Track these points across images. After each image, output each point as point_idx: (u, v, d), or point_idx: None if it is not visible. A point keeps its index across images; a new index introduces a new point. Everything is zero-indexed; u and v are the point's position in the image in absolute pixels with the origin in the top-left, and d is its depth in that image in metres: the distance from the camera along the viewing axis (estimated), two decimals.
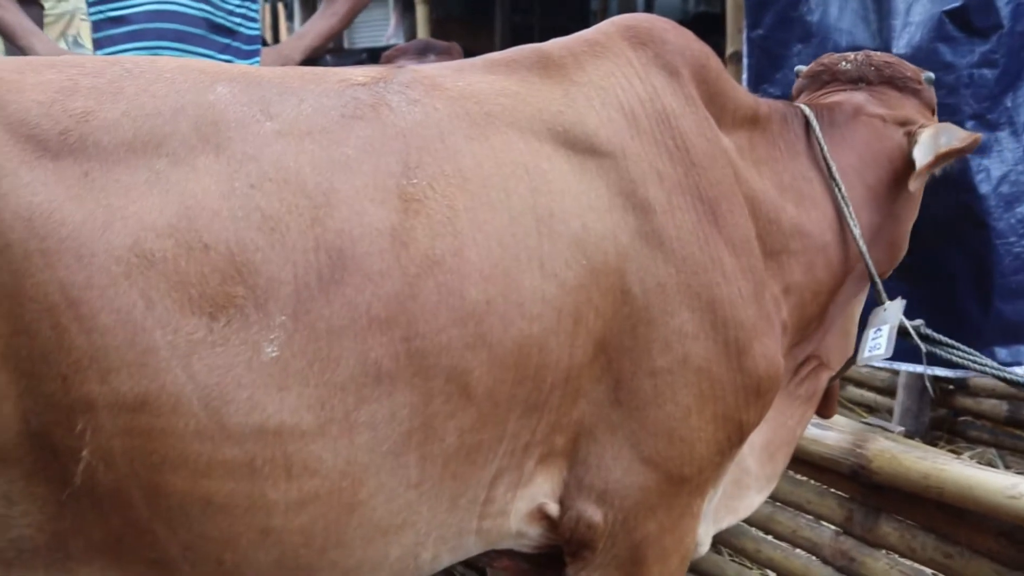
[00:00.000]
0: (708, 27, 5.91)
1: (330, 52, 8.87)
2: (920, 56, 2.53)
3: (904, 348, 2.88)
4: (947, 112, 2.67)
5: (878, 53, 2.09)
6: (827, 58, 2.11)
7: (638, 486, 1.57)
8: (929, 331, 1.97)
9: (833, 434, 2.22)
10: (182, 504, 1.25)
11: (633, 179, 1.53)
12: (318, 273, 1.27)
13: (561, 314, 1.44)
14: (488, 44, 11.36)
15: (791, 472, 2.42)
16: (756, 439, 1.87)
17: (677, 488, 1.60)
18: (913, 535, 2.16)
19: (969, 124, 2.66)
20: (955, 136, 1.87)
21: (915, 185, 1.88)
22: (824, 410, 2.08)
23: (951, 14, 2.62)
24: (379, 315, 1.30)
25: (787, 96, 2.49)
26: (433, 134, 1.42)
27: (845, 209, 1.83)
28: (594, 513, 1.57)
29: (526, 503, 1.56)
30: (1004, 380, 2.00)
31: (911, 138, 1.92)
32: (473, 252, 1.37)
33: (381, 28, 13.20)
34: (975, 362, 1.97)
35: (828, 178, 1.85)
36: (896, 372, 3.64)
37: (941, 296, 2.21)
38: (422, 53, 4.32)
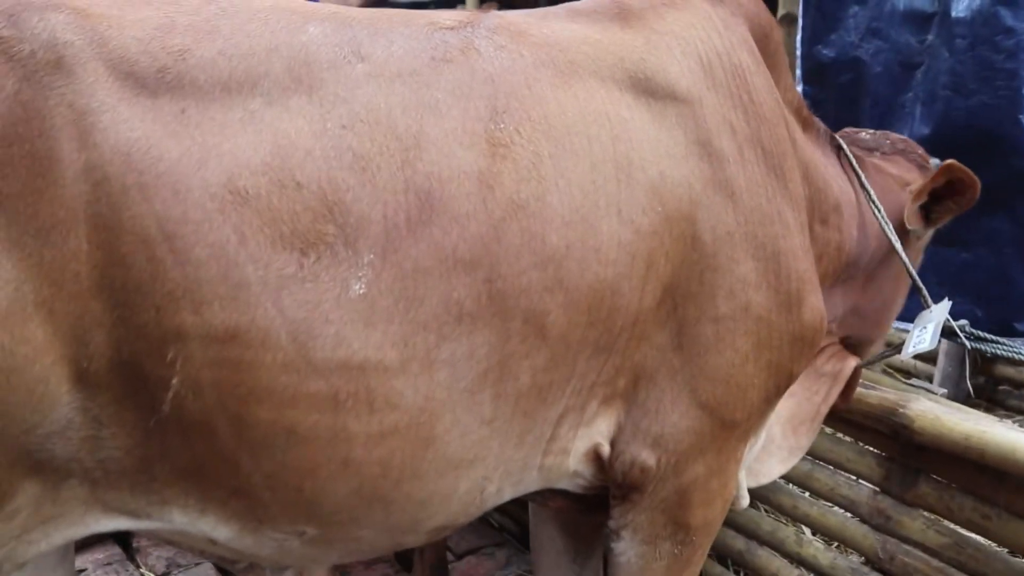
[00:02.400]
0: None
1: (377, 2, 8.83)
2: (980, 20, 2.51)
3: (953, 313, 2.93)
4: (1005, 76, 2.67)
5: (895, 134, 2.29)
6: (848, 130, 2.28)
7: (693, 430, 1.62)
8: (975, 331, 2.12)
9: (876, 393, 2.25)
10: (266, 434, 1.32)
11: (709, 128, 1.58)
12: (407, 214, 1.32)
13: (635, 259, 1.49)
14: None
15: (830, 430, 2.45)
16: (782, 410, 1.95)
17: (728, 432, 1.66)
18: (952, 496, 2.18)
19: None
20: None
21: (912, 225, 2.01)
22: (842, 398, 2.13)
23: None
24: (464, 256, 1.35)
25: (842, 57, 2.55)
26: (520, 80, 1.46)
27: (878, 214, 1.97)
28: (648, 456, 1.62)
29: (585, 443, 1.62)
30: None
31: (911, 196, 2.04)
32: (555, 198, 1.42)
33: None
34: (1019, 353, 2.07)
35: (858, 188, 1.99)
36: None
37: (991, 261, 2.24)
38: None
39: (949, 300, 2.05)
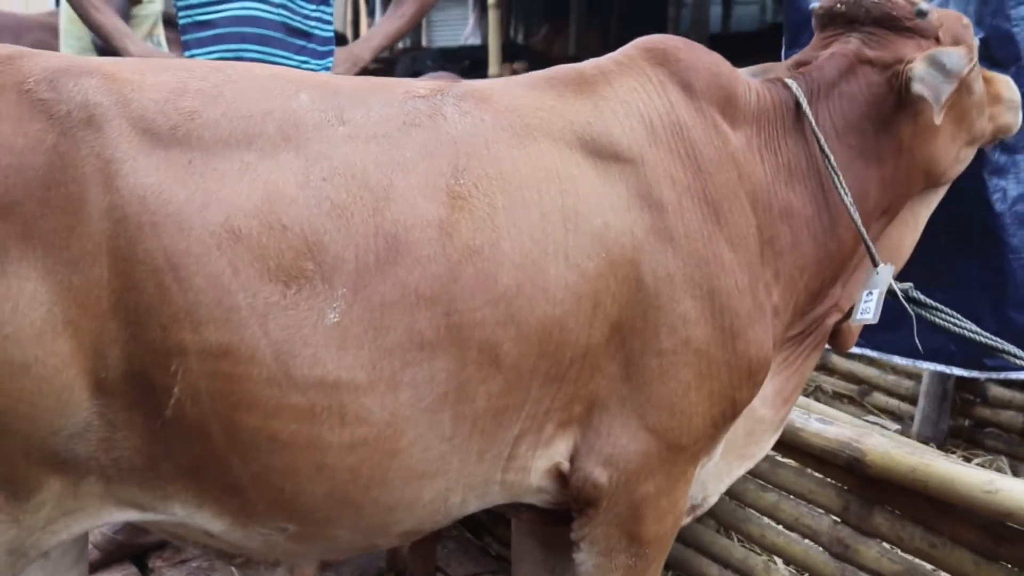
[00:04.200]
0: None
1: (408, 51, 9.11)
2: None
3: (926, 348, 3.06)
4: None
5: None
6: (827, 1, 2.13)
7: (641, 452, 1.79)
8: (917, 294, 2.08)
9: (834, 428, 2.41)
10: (253, 439, 1.52)
11: (649, 182, 1.76)
12: (376, 255, 1.53)
13: (581, 299, 1.68)
14: (563, 49, 11.54)
15: (796, 464, 2.61)
16: (768, 389, 2.05)
17: (675, 455, 1.83)
18: (903, 525, 2.33)
19: (988, 147, 2.83)
20: (957, 57, 1.92)
21: (939, 117, 1.92)
22: (839, 344, 2.24)
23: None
24: (425, 293, 1.55)
25: None
26: (480, 142, 1.67)
27: (836, 180, 1.93)
28: (600, 475, 1.80)
29: (545, 461, 1.80)
30: (982, 345, 2.10)
31: (903, 76, 1.96)
32: (507, 244, 1.62)
33: (459, 27, 13.42)
34: (957, 325, 2.09)
35: (818, 151, 1.95)
36: (919, 381, 3.81)
37: (959, 304, 2.37)
38: None
39: (892, 266, 2.06)
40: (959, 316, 2.12)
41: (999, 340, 2.12)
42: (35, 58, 1.54)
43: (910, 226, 2.27)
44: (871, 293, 2.06)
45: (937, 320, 2.10)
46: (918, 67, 1.94)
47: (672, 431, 1.80)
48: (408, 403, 1.58)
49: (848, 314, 2.17)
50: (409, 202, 1.58)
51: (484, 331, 1.60)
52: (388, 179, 1.58)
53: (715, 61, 1.96)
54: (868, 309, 2.06)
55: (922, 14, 2.02)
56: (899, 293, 2.07)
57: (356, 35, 12.39)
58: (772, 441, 2.22)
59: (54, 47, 5.00)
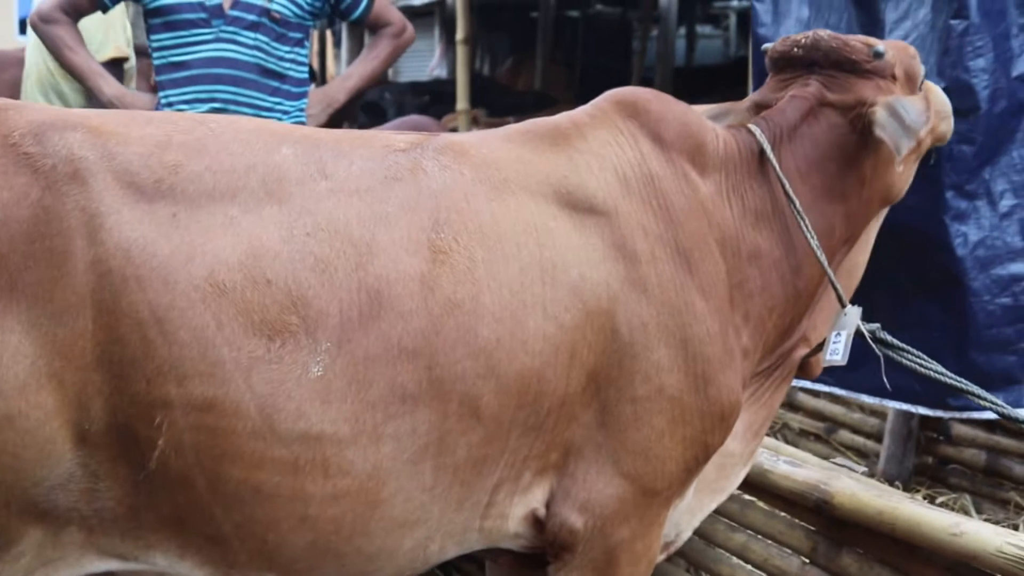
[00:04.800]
0: (747, 71, 6.13)
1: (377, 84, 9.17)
2: None
3: (893, 387, 3.12)
4: (929, 181, 2.91)
5: (826, 33, 2.11)
6: (782, 44, 2.17)
7: (616, 497, 1.82)
8: (885, 335, 2.10)
9: (802, 471, 2.45)
10: (236, 491, 1.53)
11: (623, 234, 1.80)
12: (359, 309, 1.56)
13: (559, 350, 1.71)
14: (528, 82, 11.64)
15: (765, 506, 2.65)
16: (738, 424, 2.06)
17: (649, 500, 1.86)
18: (870, 567, 2.37)
19: (949, 193, 2.90)
20: (914, 110, 1.97)
21: (901, 167, 2.00)
22: (806, 374, 2.29)
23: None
24: (407, 347, 1.58)
25: None
26: (460, 195, 1.70)
27: (803, 224, 1.97)
28: (576, 520, 1.82)
29: (523, 508, 1.82)
30: (947, 385, 2.14)
31: (865, 119, 2.00)
32: (487, 297, 1.65)
33: (425, 59, 13.47)
34: (923, 366, 2.11)
35: (783, 194, 1.99)
36: (885, 419, 3.87)
37: (922, 345, 2.43)
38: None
39: (859, 308, 2.09)
40: (925, 357, 2.14)
41: (963, 381, 2.17)
42: (21, 111, 1.56)
43: (863, 245, 2.33)
44: (839, 334, 2.10)
45: (904, 361, 2.13)
46: (880, 113, 1.99)
47: (646, 476, 1.83)
48: (390, 455, 1.60)
49: (817, 348, 2.21)
50: (392, 257, 1.60)
51: (465, 384, 1.62)
52: (371, 234, 1.61)
53: (684, 111, 2.01)
54: (837, 350, 2.09)
55: (879, 55, 2.08)
56: (866, 334, 2.10)
57: (323, 66, 12.41)
58: (742, 475, 2.26)
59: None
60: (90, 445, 1.49)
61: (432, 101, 8.87)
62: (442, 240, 1.65)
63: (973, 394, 2.14)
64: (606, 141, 1.89)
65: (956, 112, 2.81)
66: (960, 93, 2.80)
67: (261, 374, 1.51)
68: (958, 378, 2.15)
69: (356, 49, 12.06)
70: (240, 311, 1.50)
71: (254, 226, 1.55)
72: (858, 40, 2.11)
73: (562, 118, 1.95)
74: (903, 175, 2.22)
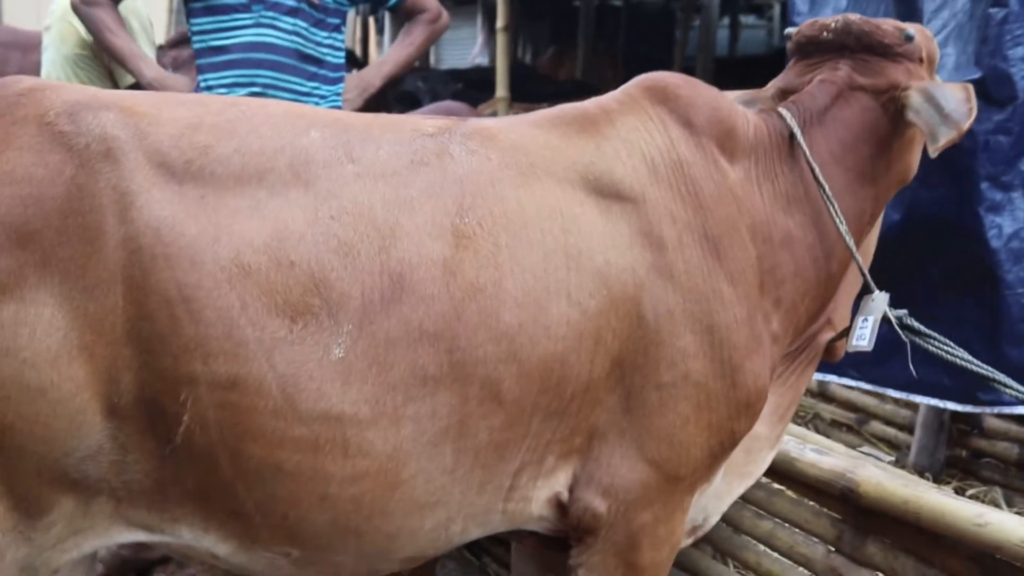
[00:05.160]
0: None
1: (416, 71, 9.18)
2: None
3: (921, 381, 3.10)
4: (964, 172, 2.89)
5: (857, 17, 2.10)
6: (809, 28, 2.16)
7: (640, 482, 1.83)
8: (912, 321, 2.09)
9: (829, 459, 2.45)
10: (258, 468, 1.57)
11: (650, 220, 1.80)
12: (381, 293, 1.58)
13: (583, 336, 1.72)
14: (570, 71, 11.61)
15: (792, 494, 2.65)
16: (764, 408, 2.06)
17: (673, 486, 1.87)
18: (895, 556, 2.37)
19: (984, 184, 2.88)
20: (955, 99, 1.96)
21: (936, 153, 1.96)
22: (830, 356, 2.28)
23: (972, 84, 2.84)
24: (428, 330, 1.60)
25: None
26: (485, 180, 1.72)
27: (832, 209, 1.97)
28: (599, 504, 1.84)
29: (546, 491, 1.84)
30: (976, 374, 2.12)
31: (897, 102, 2.01)
32: (510, 282, 1.66)
33: (468, 47, 13.48)
34: (952, 354, 2.10)
35: (813, 178, 1.99)
36: (916, 410, 3.84)
37: (952, 338, 2.41)
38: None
39: (887, 294, 2.08)
40: (952, 344, 2.12)
41: (991, 369, 2.14)
42: (56, 91, 1.60)
43: (875, 228, 2.32)
44: (866, 319, 2.09)
45: (931, 348, 2.11)
46: (915, 98, 1.99)
47: (671, 462, 1.84)
48: (410, 437, 1.62)
49: (843, 332, 2.20)
50: (415, 241, 1.62)
51: (486, 368, 1.64)
52: (395, 218, 1.63)
53: (714, 96, 2.00)
54: (864, 336, 2.08)
55: (910, 38, 2.07)
56: (893, 320, 2.09)
57: (365, 53, 12.46)
58: (769, 458, 2.25)
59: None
60: (119, 417, 1.53)
61: (471, 88, 8.86)
62: (466, 225, 1.66)
63: (1000, 382, 2.12)
64: (635, 127, 1.88)
65: (994, 101, 2.80)
66: (998, 82, 2.79)
67: (283, 354, 1.53)
68: (985, 367, 2.13)
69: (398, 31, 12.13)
70: (264, 292, 1.53)
71: (280, 208, 1.58)
72: (889, 23, 2.10)
73: (591, 104, 1.95)
74: (916, 157, 2.21)
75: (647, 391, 1.80)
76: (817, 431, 4.12)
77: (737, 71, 10.28)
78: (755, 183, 1.99)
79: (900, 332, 2.10)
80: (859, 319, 2.11)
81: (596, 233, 1.76)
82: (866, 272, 2.09)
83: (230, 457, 1.56)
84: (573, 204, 1.77)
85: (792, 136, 2.02)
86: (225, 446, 1.55)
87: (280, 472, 1.58)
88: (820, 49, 2.14)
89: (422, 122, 1.81)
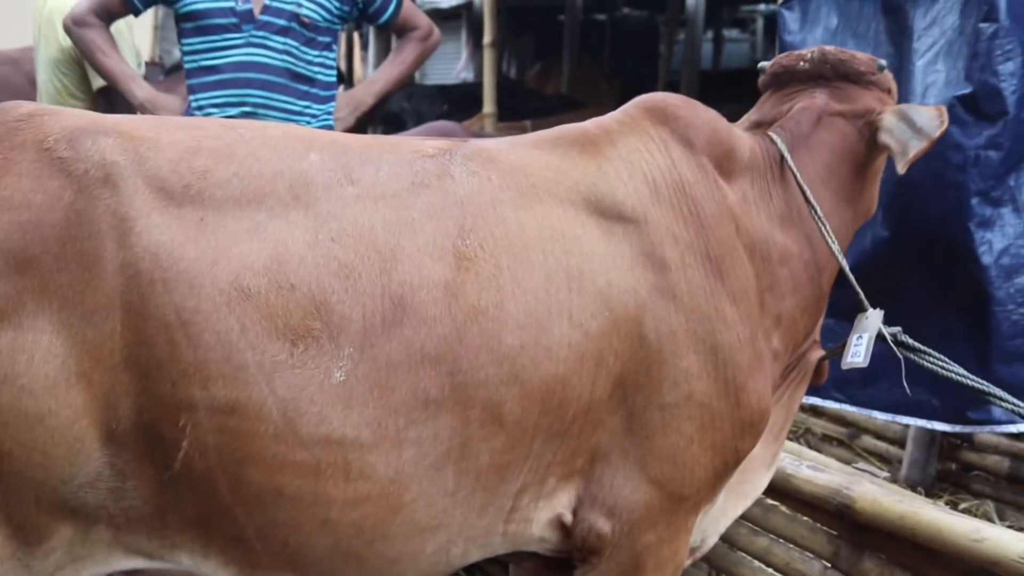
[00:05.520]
0: None
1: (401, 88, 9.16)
2: None
3: (908, 402, 3.09)
4: (955, 188, 2.90)
5: (832, 49, 2.22)
6: (786, 59, 2.26)
7: (644, 503, 1.83)
8: (906, 338, 2.12)
9: (824, 475, 2.46)
10: (258, 493, 1.55)
11: (653, 241, 1.80)
12: (382, 315, 1.57)
13: (584, 358, 1.72)
14: (556, 86, 11.63)
15: (787, 510, 2.65)
16: None
17: (677, 506, 1.86)
18: (891, 572, 2.37)
19: (975, 200, 2.88)
20: (927, 116, 2.06)
21: (904, 168, 2.05)
22: (815, 380, 2.30)
23: (962, 99, 2.84)
24: (430, 353, 1.59)
25: None
26: (486, 202, 1.72)
27: (824, 229, 2.04)
28: (603, 525, 1.83)
29: (547, 513, 1.83)
30: (972, 389, 2.14)
31: (872, 126, 2.12)
32: (512, 304, 1.66)
33: (452, 62, 13.50)
34: (947, 369, 2.12)
35: (803, 199, 2.05)
36: (907, 425, 3.85)
37: (946, 356, 2.41)
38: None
39: (881, 311, 2.11)
40: (948, 360, 2.15)
41: (987, 384, 2.15)
42: (56, 116, 1.59)
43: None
44: (861, 337, 2.11)
45: (926, 364, 2.13)
46: (888, 119, 2.10)
47: (675, 483, 1.84)
48: (412, 460, 1.61)
49: (835, 351, 2.22)
50: (416, 263, 1.62)
51: (488, 390, 1.63)
52: (396, 240, 1.62)
53: (713, 117, 2.03)
54: (858, 353, 2.10)
55: (882, 68, 2.20)
56: (888, 337, 2.11)
57: (350, 68, 12.44)
58: (767, 478, 2.25)
59: (15, 83, 5.09)
60: (117, 444, 1.52)
61: (457, 105, 8.86)
62: (467, 247, 1.66)
63: (998, 397, 2.13)
64: (636, 147, 1.89)
65: (984, 116, 2.81)
66: (988, 97, 2.79)
67: (284, 378, 1.52)
68: (981, 381, 2.14)
69: (383, 52, 12.09)
70: (264, 315, 1.52)
71: (280, 231, 1.57)
72: (860, 54, 2.22)
73: (591, 124, 1.96)
74: (877, 191, 2.32)
75: (650, 411, 1.80)
76: (809, 446, 4.13)
77: (721, 85, 10.35)
78: (752, 204, 2.02)
79: (895, 349, 2.11)
80: (853, 336, 2.13)
81: (598, 254, 1.76)
82: (859, 290, 2.11)
83: (230, 482, 1.55)
84: (575, 225, 1.77)
85: (783, 159, 2.07)
86: (225, 471, 1.54)
87: (281, 497, 1.56)
88: (796, 79, 2.23)
89: (422, 143, 1.81)
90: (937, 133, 2.04)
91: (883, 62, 2.21)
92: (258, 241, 1.56)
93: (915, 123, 2.06)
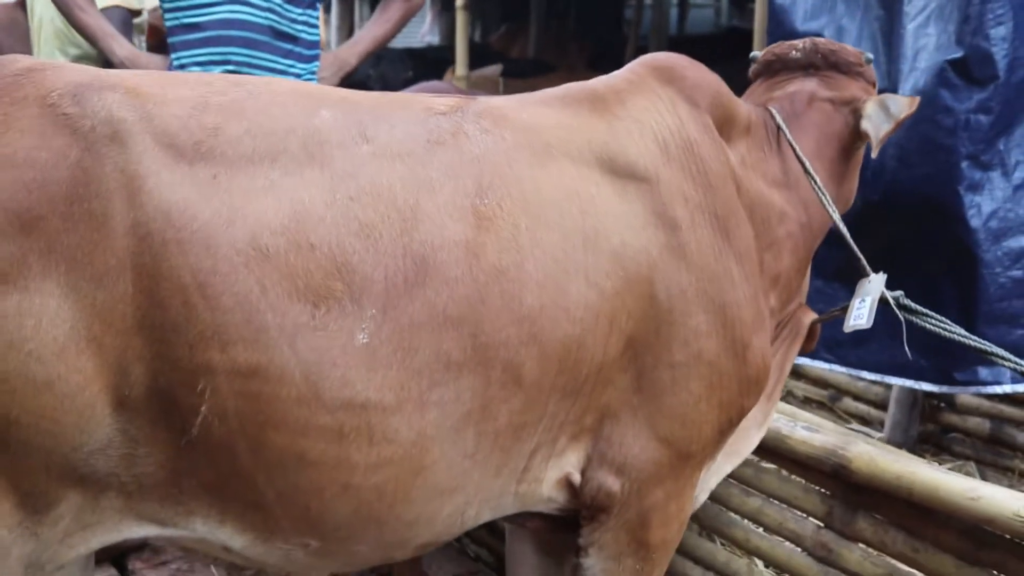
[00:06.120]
0: (739, 41, 6.12)
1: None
2: (923, 99, 2.80)
3: (896, 363, 3.13)
4: (945, 151, 2.92)
5: (823, 40, 2.33)
6: (778, 48, 2.35)
7: (652, 460, 1.84)
8: (908, 301, 2.17)
9: (820, 436, 2.47)
10: (280, 458, 1.53)
11: (664, 201, 1.80)
12: (404, 276, 1.54)
13: (599, 317, 1.71)
14: (523, 50, 11.55)
15: (781, 470, 2.67)
16: None
17: (684, 463, 1.88)
18: (886, 530, 2.40)
19: (965, 163, 2.92)
20: (901, 103, 2.17)
21: (876, 151, 2.18)
22: (806, 345, 2.35)
23: (953, 63, 2.87)
24: (452, 314, 1.57)
25: None
26: (502, 160, 1.69)
27: (823, 197, 2.12)
28: (613, 483, 1.84)
29: (556, 472, 1.83)
30: (972, 348, 2.19)
31: (856, 113, 2.21)
32: (531, 264, 1.64)
33: (416, 26, 13.36)
34: (947, 329, 2.17)
35: (800, 168, 2.13)
36: (889, 387, 3.90)
37: None
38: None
39: (884, 275, 2.17)
40: (948, 322, 2.19)
41: (989, 344, 2.19)
42: (58, 71, 1.54)
43: None
44: (863, 300, 2.16)
45: (928, 326, 2.17)
46: (870, 107, 2.20)
47: (683, 440, 1.85)
48: (434, 422, 1.59)
49: (832, 314, 2.30)
50: (436, 222, 1.59)
51: (508, 351, 1.62)
52: (415, 199, 1.59)
53: (717, 80, 2.05)
54: (861, 315, 2.15)
55: (869, 60, 2.32)
56: (891, 300, 2.16)
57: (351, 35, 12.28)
58: (759, 437, 2.28)
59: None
60: (129, 410, 1.48)
61: (424, 69, 8.77)
62: (486, 206, 1.64)
63: (1000, 356, 2.17)
64: (645, 107, 1.89)
65: (974, 80, 2.83)
66: (979, 61, 2.82)
67: (306, 341, 1.49)
68: (983, 342, 2.18)
69: (347, 15, 11.91)
70: (284, 276, 1.49)
71: (296, 190, 1.53)
72: (849, 47, 2.34)
73: (598, 83, 1.94)
74: (856, 182, 2.41)
75: (659, 370, 1.80)
76: None
77: (688, 51, 10.34)
78: (749, 167, 2.06)
79: (898, 312, 2.14)
80: (856, 300, 2.18)
81: (612, 214, 1.75)
82: (861, 256, 2.16)
83: (250, 447, 1.51)
84: (589, 184, 1.75)
85: (779, 130, 2.13)
86: (245, 436, 1.51)
87: (303, 462, 1.54)
88: (787, 67, 2.32)
89: (432, 100, 1.77)
90: (903, 116, 2.14)
91: (870, 55, 2.34)
92: (274, 200, 1.51)
93: (889, 109, 2.17)
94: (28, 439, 1.44)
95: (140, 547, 3.18)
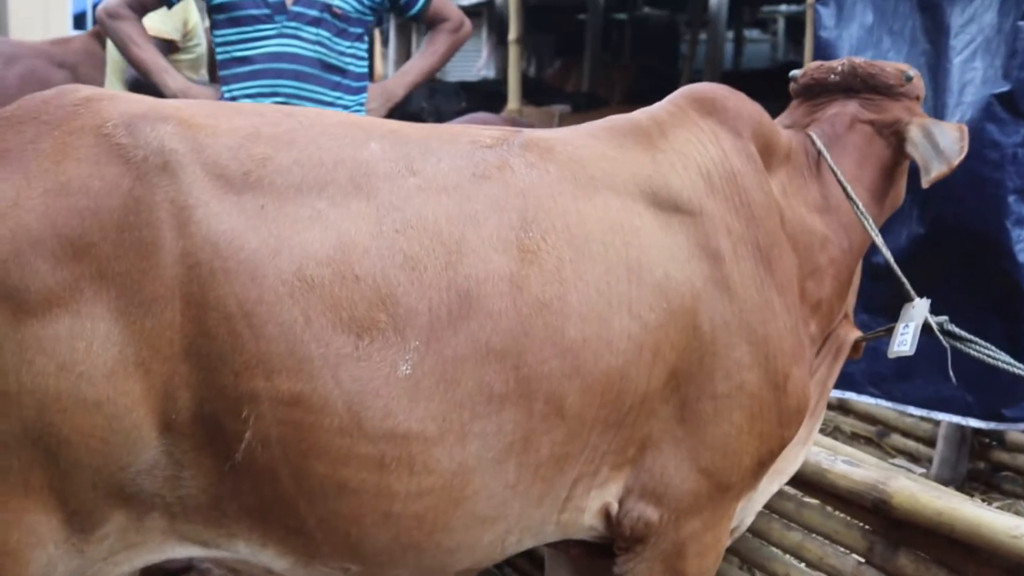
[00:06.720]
0: None
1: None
2: (970, 134, 2.79)
3: (941, 398, 3.09)
4: (992, 185, 2.90)
5: (861, 61, 2.28)
6: (817, 71, 2.31)
7: (692, 491, 1.85)
8: (953, 327, 2.15)
9: (860, 471, 2.45)
10: (321, 485, 1.56)
11: (707, 233, 1.82)
12: (448, 309, 1.57)
13: (643, 349, 1.73)
14: (577, 84, 11.63)
15: (823, 504, 2.65)
16: None
17: (723, 494, 1.89)
18: (927, 567, 2.36)
19: (1012, 197, 2.89)
20: (949, 135, 2.11)
21: (927, 185, 2.11)
22: (852, 355, 2.33)
23: (1000, 97, 2.86)
24: (496, 347, 1.60)
25: None
26: (547, 193, 1.72)
27: (866, 222, 2.09)
28: (652, 513, 1.85)
29: (598, 502, 1.85)
30: (1018, 374, 2.15)
31: (899, 136, 2.18)
32: (575, 297, 1.67)
33: (472, 59, 13.51)
34: (993, 356, 2.15)
35: (841, 192, 2.11)
36: (937, 423, 3.84)
37: None
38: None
39: (928, 300, 2.15)
40: (994, 348, 2.16)
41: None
42: (114, 101, 1.60)
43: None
44: (907, 326, 2.15)
45: (972, 352, 2.15)
46: (914, 132, 2.16)
47: (723, 471, 1.86)
48: (475, 454, 1.61)
49: (874, 334, 2.29)
50: (481, 256, 1.62)
51: (551, 383, 1.64)
52: (460, 232, 1.62)
53: (758, 109, 2.07)
54: (905, 341, 2.14)
55: (910, 79, 2.26)
56: (935, 326, 2.14)
57: (370, 64, 12.46)
58: (803, 456, 2.27)
59: (45, 75, 5.11)
60: (175, 434, 1.52)
61: (478, 102, 8.88)
62: (530, 239, 1.67)
63: None
64: (687, 139, 1.91)
65: (1021, 115, 2.81)
66: None
67: (349, 371, 1.52)
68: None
69: (403, 47, 12.08)
70: (328, 307, 1.52)
71: (342, 221, 1.57)
72: (890, 65, 2.28)
73: (641, 115, 1.97)
74: (905, 183, 2.37)
75: (702, 401, 1.81)
76: None
77: (742, 85, 10.33)
78: (791, 194, 2.06)
79: (941, 338, 2.13)
80: (900, 325, 2.17)
81: (656, 246, 1.77)
82: (904, 280, 2.15)
83: (293, 474, 1.55)
84: (633, 217, 1.78)
85: (819, 155, 2.12)
86: (288, 463, 1.54)
87: (344, 490, 1.57)
88: (827, 90, 2.28)
89: (479, 133, 1.81)
90: (956, 161, 2.08)
91: (912, 72, 2.27)
92: (320, 230, 1.55)
93: (938, 144, 2.11)
94: (77, 457, 1.49)
95: (186, 569, 3.23)
